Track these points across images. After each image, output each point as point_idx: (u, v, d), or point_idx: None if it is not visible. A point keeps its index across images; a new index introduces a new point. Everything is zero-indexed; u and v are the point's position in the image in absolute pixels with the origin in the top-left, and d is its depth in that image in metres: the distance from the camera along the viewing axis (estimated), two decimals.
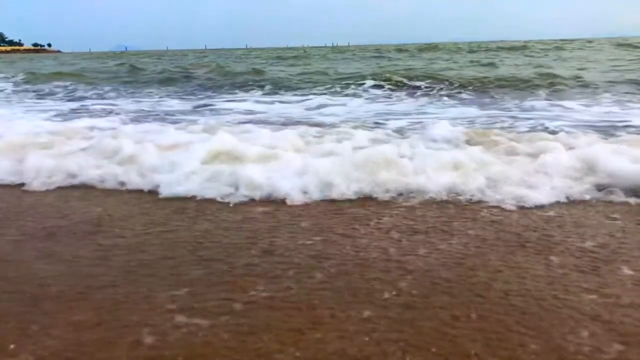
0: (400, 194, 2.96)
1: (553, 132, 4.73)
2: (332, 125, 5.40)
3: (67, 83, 12.23)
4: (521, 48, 24.16)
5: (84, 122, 5.65)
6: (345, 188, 2.94)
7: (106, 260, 2.13)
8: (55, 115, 6.72)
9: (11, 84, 12.59)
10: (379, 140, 4.30)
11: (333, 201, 2.91)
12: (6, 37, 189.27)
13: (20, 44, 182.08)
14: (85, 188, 3.35)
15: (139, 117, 6.53)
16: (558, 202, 2.83)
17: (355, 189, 2.96)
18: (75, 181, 3.43)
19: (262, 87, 10.47)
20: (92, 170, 3.48)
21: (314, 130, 4.85)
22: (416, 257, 2.12)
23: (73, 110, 7.48)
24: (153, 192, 3.16)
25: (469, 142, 4.08)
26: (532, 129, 5.15)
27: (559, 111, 6.45)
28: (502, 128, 5.18)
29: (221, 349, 1.51)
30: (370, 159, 3.18)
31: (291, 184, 2.96)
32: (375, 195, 2.94)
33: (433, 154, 3.49)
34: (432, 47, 28.34)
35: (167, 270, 2.03)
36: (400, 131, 5.05)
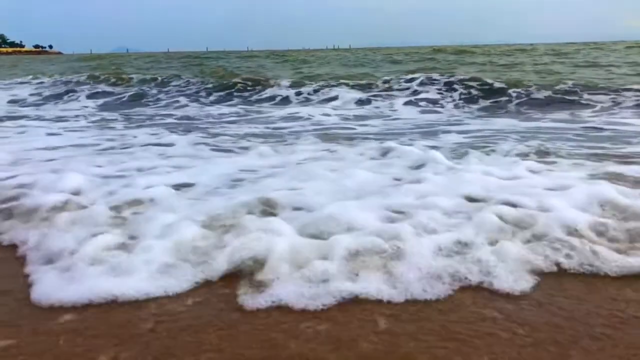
0: None
1: None
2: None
3: None
4: (565, 52, 22.52)
5: None
6: None
7: None
8: None
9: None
10: None
11: None
12: (7, 39, 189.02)
13: (21, 46, 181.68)
14: None
15: None
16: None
17: None
18: None
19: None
20: None
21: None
22: None
23: None
24: None
25: None
26: None
27: None
28: None
29: None
30: None
31: None
32: None
33: None
34: (516, 50, 25.87)
35: None
36: None
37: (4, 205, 2.82)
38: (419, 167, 3.56)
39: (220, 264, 2.01)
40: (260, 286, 1.86)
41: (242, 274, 1.96)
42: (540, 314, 1.69)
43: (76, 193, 3.00)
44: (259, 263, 1.98)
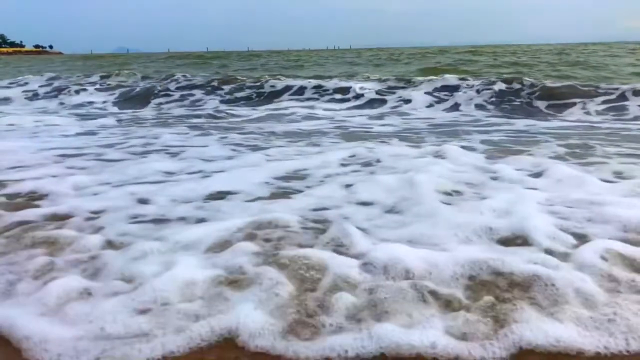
0: None
1: None
2: None
3: None
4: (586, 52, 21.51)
5: None
6: None
7: None
8: None
9: None
10: None
11: None
12: (8, 39, 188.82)
13: (21, 46, 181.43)
14: None
15: None
16: None
17: None
18: None
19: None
20: None
21: None
22: None
23: None
24: None
25: None
26: None
27: None
28: None
29: None
30: None
31: None
32: None
33: None
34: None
35: None
36: None
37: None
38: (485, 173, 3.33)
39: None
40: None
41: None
42: None
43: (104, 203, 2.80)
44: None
